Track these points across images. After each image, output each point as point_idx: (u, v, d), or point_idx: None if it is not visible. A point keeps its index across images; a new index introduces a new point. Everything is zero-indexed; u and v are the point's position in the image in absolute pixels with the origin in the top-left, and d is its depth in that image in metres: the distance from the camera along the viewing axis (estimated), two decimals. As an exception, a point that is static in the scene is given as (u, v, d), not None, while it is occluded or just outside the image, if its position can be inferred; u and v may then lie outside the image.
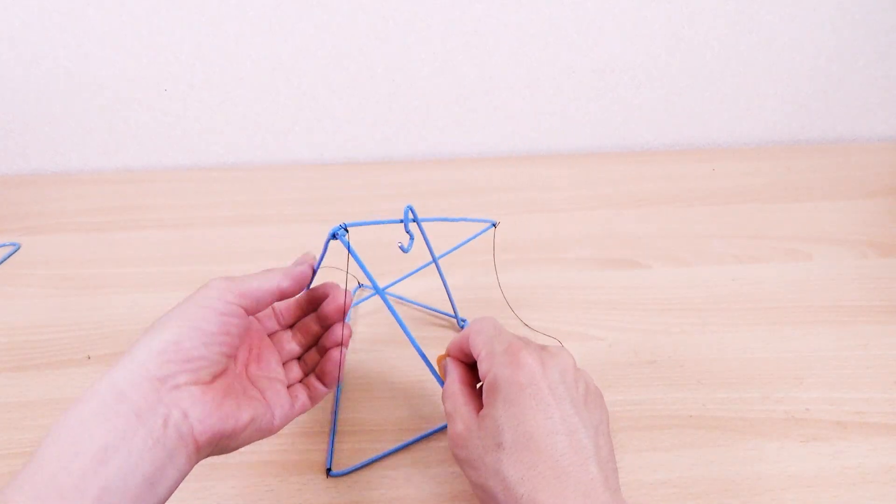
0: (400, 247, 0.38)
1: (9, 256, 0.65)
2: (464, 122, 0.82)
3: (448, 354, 0.40)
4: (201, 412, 0.31)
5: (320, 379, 0.41)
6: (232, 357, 0.35)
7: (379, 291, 0.36)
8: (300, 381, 0.41)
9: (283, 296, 0.37)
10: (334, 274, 0.41)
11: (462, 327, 0.53)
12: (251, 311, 0.35)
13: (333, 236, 0.35)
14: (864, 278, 0.60)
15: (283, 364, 0.41)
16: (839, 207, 0.71)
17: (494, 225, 0.51)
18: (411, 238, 0.39)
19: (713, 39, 0.76)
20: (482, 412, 0.34)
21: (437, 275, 0.48)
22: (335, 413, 0.47)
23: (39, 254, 0.66)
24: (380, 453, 0.44)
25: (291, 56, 0.75)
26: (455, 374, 0.38)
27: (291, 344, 0.42)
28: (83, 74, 0.75)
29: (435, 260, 0.46)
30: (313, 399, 0.40)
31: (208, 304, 0.33)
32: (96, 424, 0.28)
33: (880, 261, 0.63)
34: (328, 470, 0.42)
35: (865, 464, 0.43)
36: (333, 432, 0.46)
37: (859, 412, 0.47)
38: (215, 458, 0.44)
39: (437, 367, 0.41)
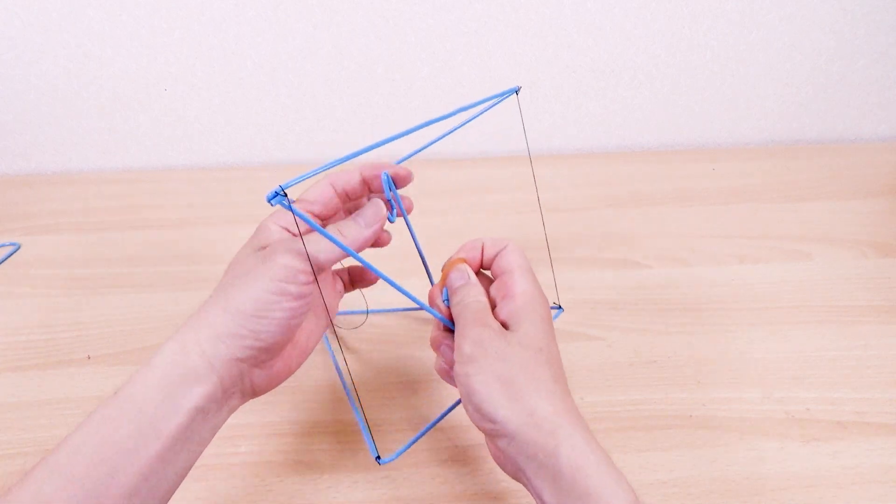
0: (389, 218, 0.38)
1: (9, 256, 0.65)
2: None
3: (464, 261, 0.40)
4: (265, 381, 0.35)
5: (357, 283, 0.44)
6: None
7: (347, 250, 0.34)
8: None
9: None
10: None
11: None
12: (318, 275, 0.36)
13: (270, 202, 0.31)
14: (864, 278, 0.60)
15: None
16: (839, 207, 0.71)
17: (517, 91, 0.47)
18: (393, 207, 0.39)
19: (713, 39, 0.76)
20: (517, 319, 0.35)
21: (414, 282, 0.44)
22: (358, 406, 0.47)
23: (39, 254, 0.66)
24: (417, 433, 0.43)
25: (291, 56, 0.75)
26: (481, 286, 0.38)
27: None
28: (83, 74, 0.75)
29: (413, 233, 0.43)
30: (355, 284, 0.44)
31: (282, 290, 0.33)
32: (192, 386, 0.31)
33: (880, 261, 0.63)
34: (377, 458, 0.40)
35: (865, 464, 0.43)
36: (365, 422, 0.45)
37: (859, 412, 0.47)
38: (215, 458, 0.45)
39: (442, 274, 0.40)
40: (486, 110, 0.44)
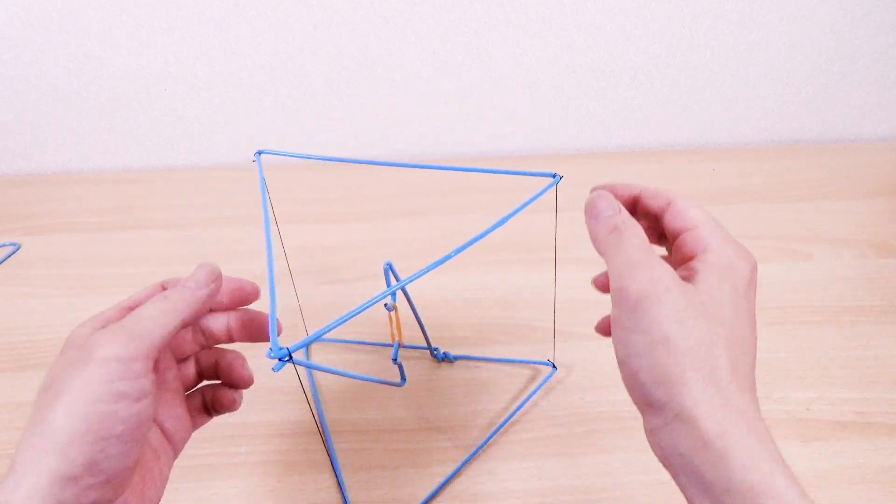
0: (386, 307, 0.37)
1: (9, 256, 0.65)
2: (464, 122, 0.82)
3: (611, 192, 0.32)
4: None
5: (231, 383, 0.34)
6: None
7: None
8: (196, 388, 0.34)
9: (184, 327, 0.30)
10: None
11: (435, 355, 0.51)
12: (153, 360, 0.27)
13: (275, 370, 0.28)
14: (864, 278, 0.60)
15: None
16: (839, 207, 0.71)
17: (557, 179, 0.40)
18: (393, 297, 0.38)
19: (713, 39, 0.76)
20: (703, 285, 0.27)
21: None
22: (330, 452, 0.45)
23: (39, 254, 0.66)
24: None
25: (291, 56, 0.75)
26: (640, 229, 0.30)
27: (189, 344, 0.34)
28: (83, 74, 0.75)
29: (415, 312, 0.43)
30: (220, 408, 0.34)
31: (116, 394, 0.25)
32: None
33: (880, 261, 0.63)
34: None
35: (865, 464, 0.43)
36: (337, 470, 0.44)
37: (859, 412, 0.47)
38: (215, 458, 0.45)
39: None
40: (525, 204, 0.38)
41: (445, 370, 0.52)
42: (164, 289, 0.32)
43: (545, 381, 0.50)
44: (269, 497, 0.42)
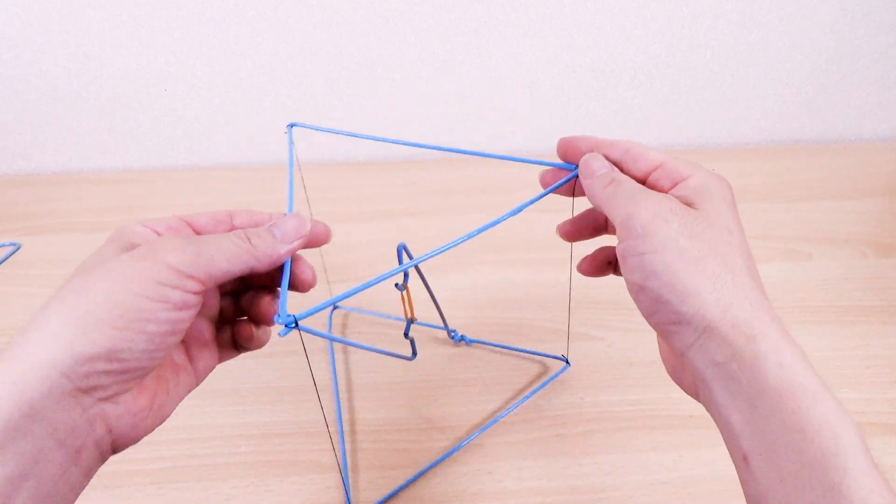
0: (396, 286, 0.37)
1: (9, 256, 0.65)
2: (464, 122, 0.82)
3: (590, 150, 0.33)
4: (128, 424, 0.26)
5: (256, 319, 0.32)
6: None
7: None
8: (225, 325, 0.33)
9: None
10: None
11: (453, 337, 0.51)
12: (209, 288, 0.27)
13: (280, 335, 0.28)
14: (863, 278, 0.60)
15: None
16: (839, 207, 0.71)
17: (575, 171, 0.36)
18: (406, 279, 0.37)
19: (713, 39, 0.76)
20: (698, 204, 0.29)
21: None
22: (343, 446, 0.45)
23: (39, 254, 0.66)
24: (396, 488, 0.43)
25: (291, 56, 0.75)
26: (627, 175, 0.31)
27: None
28: (83, 74, 0.75)
29: (430, 291, 0.42)
30: (241, 341, 0.32)
31: (161, 296, 0.25)
32: (2, 448, 0.21)
33: (880, 261, 0.63)
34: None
35: (865, 464, 0.43)
36: (345, 467, 0.44)
37: (859, 412, 0.47)
38: (214, 458, 0.45)
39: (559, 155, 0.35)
40: (544, 195, 0.37)
41: (453, 361, 0.52)
42: (231, 218, 0.31)
43: (557, 375, 0.51)
44: (269, 497, 0.42)
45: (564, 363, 0.52)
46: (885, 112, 0.84)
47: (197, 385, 0.31)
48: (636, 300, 0.28)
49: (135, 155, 0.82)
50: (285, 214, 0.31)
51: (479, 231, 0.32)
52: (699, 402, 0.27)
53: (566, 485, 0.43)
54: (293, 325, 0.27)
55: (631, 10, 0.74)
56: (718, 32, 0.76)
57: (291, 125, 0.41)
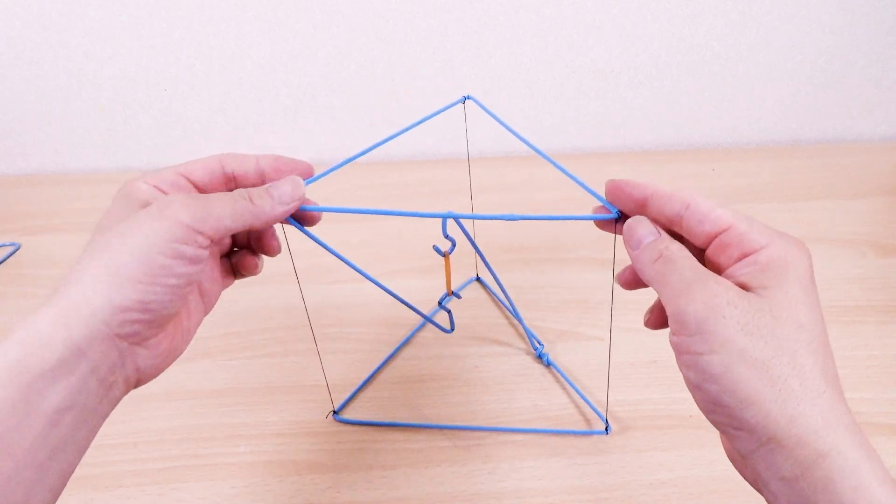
0: (435, 248, 0.37)
1: (9, 256, 0.65)
2: (464, 122, 0.82)
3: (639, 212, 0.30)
4: (153, 363, 0.30)
5: (260, 250, 0.36)
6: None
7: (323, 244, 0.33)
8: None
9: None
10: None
11: (538, 353, 0.51)
12: (216, 242, 0.30)
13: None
14: (864, 278, 0.60)
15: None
16: (839, 207, 0.71)
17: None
18: (453, 244, 0.37)
19: (713, 39, 0.76)
20: (762, 282, 0.26)
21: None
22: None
23: (39, 254, 0.66)
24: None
25: (291, 56, 0.75)
26: (685, 249, 0.28)
27: None
28: (83, 74, 0.75)
29: (482, 257, 0.40)
30: (245, 270, 0.36)
31: (178, 252, 0.28)
32: (52, 381, 0.25)
33: (880, 261, 0.63)
34: (334, 412, 0.40)
35: (865, 464, 0.43)
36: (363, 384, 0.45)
37: (859, 412, 0.47)
38: (214, 458, 0.45)
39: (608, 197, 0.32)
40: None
41: (454, 361, 0.52)
42: (222, 167, 0.33)
43: (588, 433, 0.46)
44: (269, 497, 0.42)
45: (605, 429, 0.46)
46: (885, 112, 0.84)
47: (207, 313, 0.35)
48: (692, 395, 0.26)
49: (135, 155, 0.82)
50: (275, 157, 0.34)
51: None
52: (762, 496, 0.26)
53: (566, 485, 0.43)
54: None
55: (631, 10, 0.74)
56: (718, 32, 0.76)
57: (465, 98, 0.45)
